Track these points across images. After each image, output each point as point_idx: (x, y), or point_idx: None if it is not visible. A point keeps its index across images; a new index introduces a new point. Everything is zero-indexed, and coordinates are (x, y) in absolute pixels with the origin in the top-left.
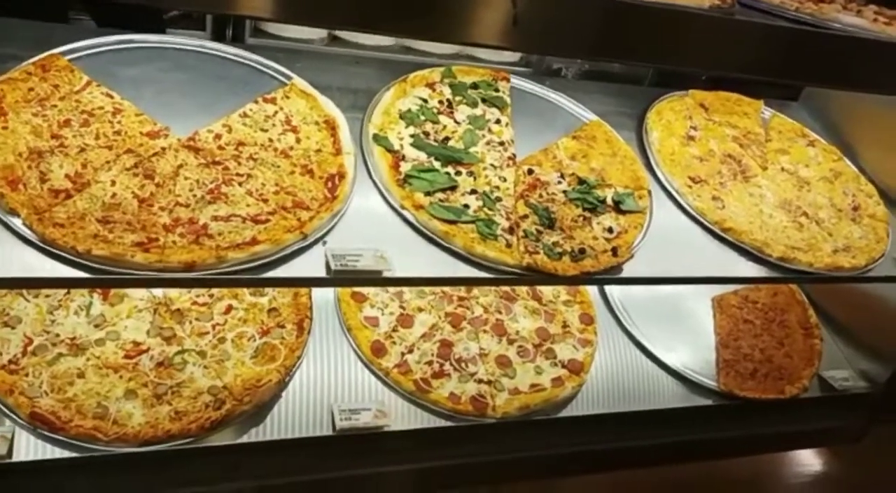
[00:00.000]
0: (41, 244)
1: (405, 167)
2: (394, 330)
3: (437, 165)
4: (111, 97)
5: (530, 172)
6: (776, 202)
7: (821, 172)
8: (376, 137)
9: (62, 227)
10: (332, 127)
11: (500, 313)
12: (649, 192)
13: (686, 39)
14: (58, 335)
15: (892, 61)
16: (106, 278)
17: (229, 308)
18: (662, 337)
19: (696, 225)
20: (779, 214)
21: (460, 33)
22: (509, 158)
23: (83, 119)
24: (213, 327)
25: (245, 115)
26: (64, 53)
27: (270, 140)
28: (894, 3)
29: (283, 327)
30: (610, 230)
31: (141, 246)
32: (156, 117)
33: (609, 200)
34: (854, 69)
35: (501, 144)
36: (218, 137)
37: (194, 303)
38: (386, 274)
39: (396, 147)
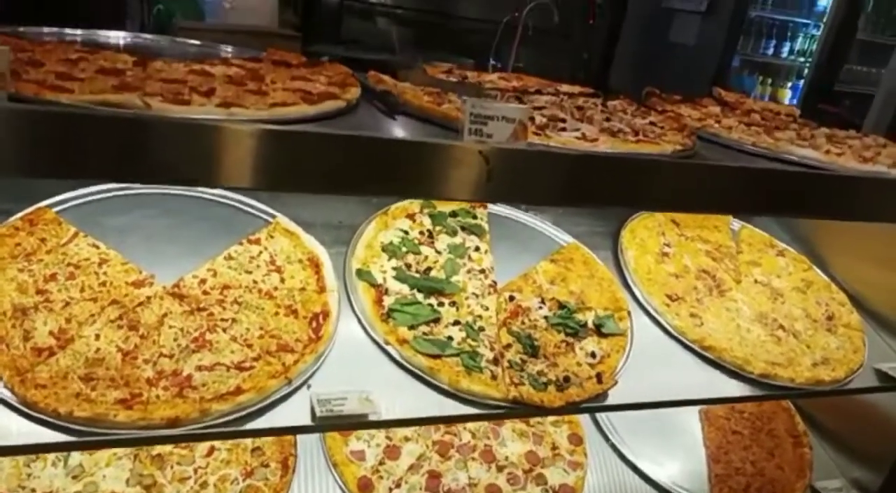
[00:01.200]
0: (22, 407)
1: (388, 301)
2: (381, 463)
3: (419, 297)
4: (97, 248)
5: (511, 298)
6: (752, 316)
7: (793, 283)
8: (359, 273)
9: (44, 388)
10: (315, 265)
11: (488, 438)
12: (629, 312)
13: (653, 184)
14: (34, 490)
15: (843, 191)
16: (88, 441)
17: (211, 450)
18: (652, 453)
19: (677, 344)
20: (756, 328)
21: (438, 190)
22: (490, 285)
23: (69, 272)
24: (195, 470)
25: (230, 257)
26: (52, 205)
27: (255, 282)
28: (846, 123)
29: (267, 466)
30: (593, 355)
31: (124, 403)
32: (141, 265)
33: (590, 324)
34: (809, 200)
35: (482, 271)
36: (203, 281)
37: (175, 446)
38: (371, 418)
39: (379, 281)
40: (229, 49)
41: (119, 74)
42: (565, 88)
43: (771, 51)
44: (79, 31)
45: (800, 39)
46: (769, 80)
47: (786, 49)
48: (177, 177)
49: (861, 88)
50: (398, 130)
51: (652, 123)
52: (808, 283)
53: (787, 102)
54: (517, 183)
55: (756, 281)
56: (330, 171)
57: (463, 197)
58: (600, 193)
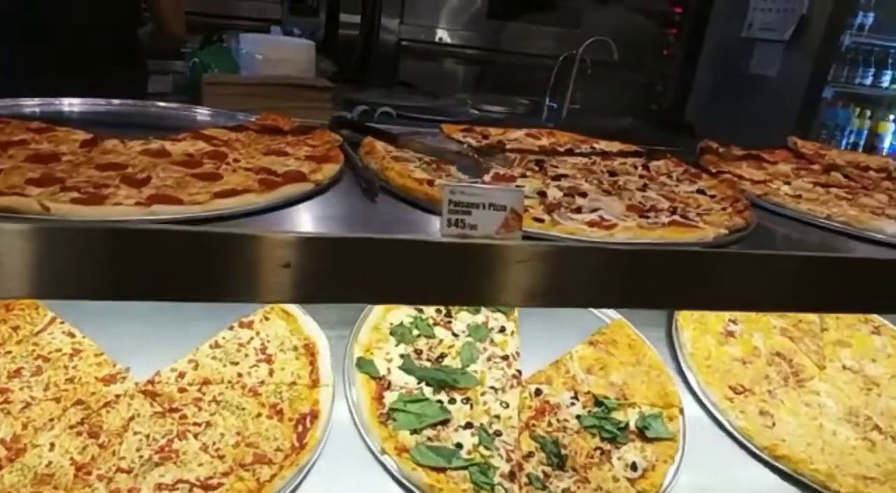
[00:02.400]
0: None
1: (390, 398)
2: None
3: (427, 391)
4: (72, 336)
5: (538, 392)
6: (839, 413)
7: (892, 369)
8: (360, 362)
9: None
10: (311, 353)
11: None
12: (681, 410)
13: (677, 281)
14: None
15: None
16: None
17: None
18: None
19: (742, 451)
20: (844, 430)
21: (399, 295)
22: (513, 376)
23: (36, 366)
24: None
25: (216, 345)
26: None
27: (240, 375)
28: None
29: None
30: (634, 467)
31: None
32: (118, 355)
33: (633, 425)
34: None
35: (505, 358)
36: (181, 376)
37: None
38: None
39: (382, 372)
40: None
41: (50, 161)
42: (603, 144)
43: (869, 80)
44: (75, 100)
45: None
46: (868, 113)
47: (887, 78)
48: (61, 290)
49: None
50: (371, 215)
51: (700, 192)
52: None
53: (889, 136)
54: (503, 284)
55: (845, 367)
56: (242, 276)
57: (435, 302)
58: (610, 295)
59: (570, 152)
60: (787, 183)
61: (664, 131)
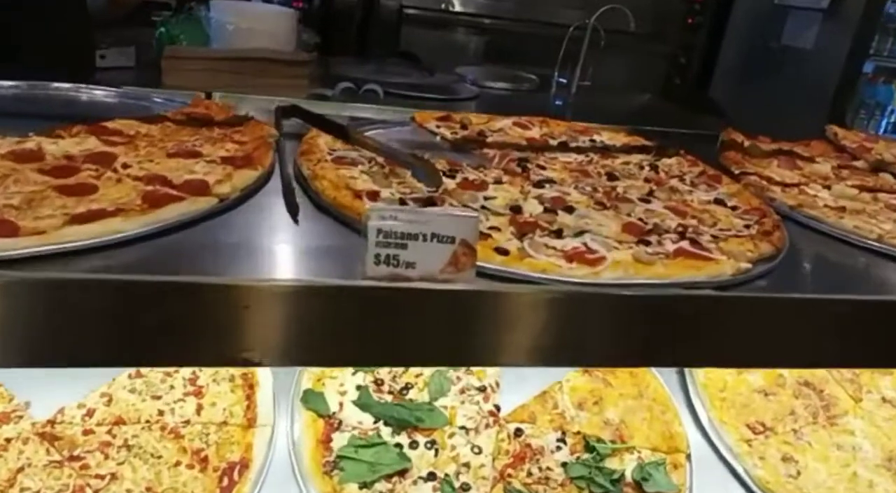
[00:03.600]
0: None
1: (339, 441)
2: None
3: (385, 433)
4: None
5: (518, 433)
6: (877, 458)
7: None
8: (307, 396)
9: None
10: (250, 385)
11: None
12: (688, 457)
13: (678, 335)
14: None
15: None
16: None
17: None
18: None
19: None
20: (883, 480)
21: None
22: (490, 412)
23: None
24: None
25: (138, 374)
26: None
27: (161, 412)
28: None
29: None
30: None
31: None
32: (22, 386)
33: (629, 477)
34: None
35: (482, 390)
36: (89, 413)
37: None
38: None
39: (333, 408)
40: (158, 99)
41: None
42: (605, 137)
43: None
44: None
45: None
46: None
47: None
48: None
49: None
50: (284, 244)
51: (719, 202)
52: None
53: None
54: (449, 341)
55: (885, 400)
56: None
57: (354, 364)
58: (590, 353)
59: (563, 147)
60: (827, 187)
61: (686, 110)
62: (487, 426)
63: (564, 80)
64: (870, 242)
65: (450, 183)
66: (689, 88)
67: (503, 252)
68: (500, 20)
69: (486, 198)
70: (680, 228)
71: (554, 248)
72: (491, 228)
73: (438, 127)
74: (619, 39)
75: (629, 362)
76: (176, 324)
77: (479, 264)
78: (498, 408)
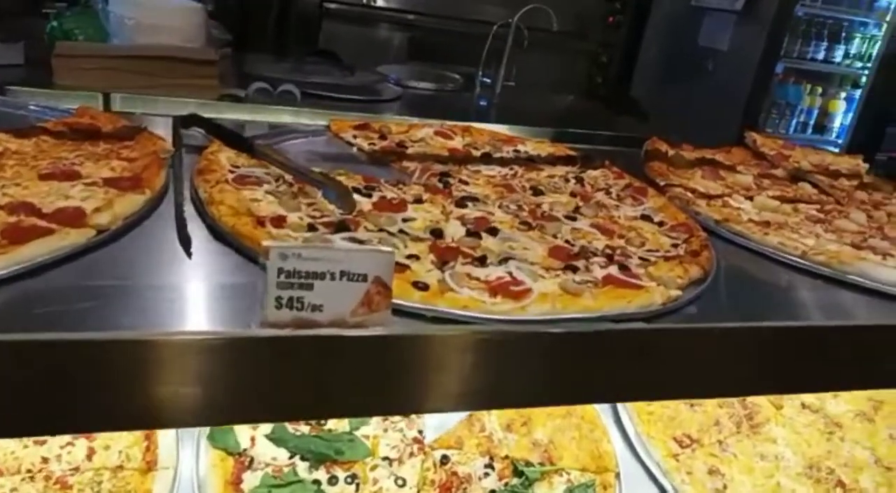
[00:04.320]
0: None
1: (250, 481)
2: None
3: (302, 468)
4: None
5: (444, 461)
6: (799, 466)
7: (856, 405)
8: (215, 433)
9: None
10: None
11: None
12: (617, 475)
13: (598, 371)
14: None
15: None
16: None
17: None
18: None
19: None
20: (804, 489)
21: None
22: (415, 440)
23: None
24: None
25: None
26: None
27: (45, 459)
28: None
29: None
30: None
31: None
32: None
33: None
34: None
35: (406, 416)
36: None
37: None
38: None
39: (244, 445)
40: (35, 107)
41: None
42: (530, 147)
43: (822, 55)
44: None
45: (857, 41)
46: (819, 90)
47: (839, 53)
48: None
49: None
50: (169, 284)
51: (646, 218)
52: (877, 404)
53: (839, 116)
54: (362, 390)
55: (804, 406)
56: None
57: (254, 420)
58: (513, 394)
59: (487, 158)
60: (750, 198)
61: (608, 110)
62: (412, 454)
63: (489, 80)
64: (794, 258)
65: (365, 203)
66: (610, 86)
67: (422, 287)
68: (424, 17)
69: (404, 220)
70: (608, 251)
71: (478, 278)
72: (410, 256)
73: (355, 137)
74: (542, 38)
75: (559, 401)
76: (40, 387)
77: (395, 301)
78: (423, 435)
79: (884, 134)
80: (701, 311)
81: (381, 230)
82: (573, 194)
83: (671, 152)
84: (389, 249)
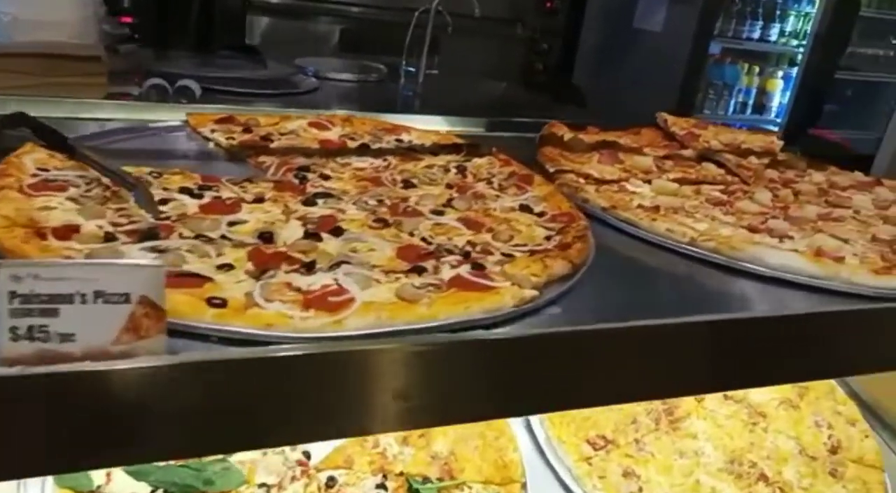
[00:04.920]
0: None
1: None
2: None
3: None
4: None
5: (330, 483)
6: (720, 462)
7: (780, 393)
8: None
9: None
10: None
11: None
12: (524, 486)
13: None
14: None
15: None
16: None
17: None
18: None
19: None
20: (724, 485)
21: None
22: (299, 462)
23: None
24: None
25: None
26: None
27: None
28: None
29: None
30: None
31: None
32: None
33: None
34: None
35: None
36: None
37: None
38: None
39: (98, 482)
40: None
41: None
42: (415, 136)
43: (757, 34)
44: None
45: (791, 19)
46: (756, 69)
47: (775, 31)
48: None
49: (867, 74)
50: None
51: (524, 208)
52: (802, 390)
53: (777, 95)
54: (136, 434)
55: (726, 397)
56: None
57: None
58: (322, 425)
59: (364, 149)
60: (648, 181)
61: (545, 97)
62: (294, 478)
63: (413, 69)
64: (683, 246)
65: (191, 206)
66: (552, 73)
67: (219, 303)
68: (355, 7)
69: (232, 223)
70: (468, 248)
71: (298, 288)
72: (222, 266)
73: (213, 132)
74: (476, 25)
75: (379, 428)
76: None
77: (184, 322)
78: (308, 456)
79: (821, 111)
80: (568, 310)
81: (197, 237)
82: (449, 186)
83: (568, 136)
84: (157, 262)
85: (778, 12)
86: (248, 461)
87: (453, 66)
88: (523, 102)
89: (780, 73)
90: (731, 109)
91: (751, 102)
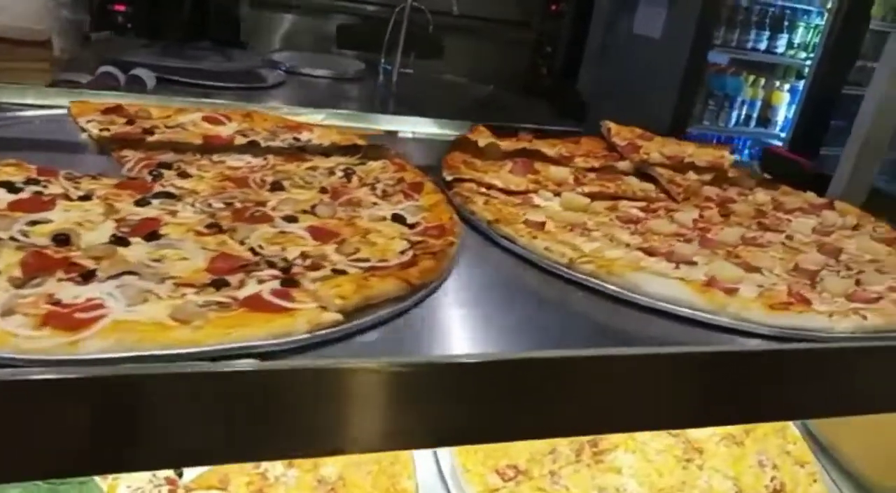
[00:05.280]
0: None
1: None
2: None
3: None
4: None
5: None
6: None
7: (724, 428)
8: None
9: None
10: None
11: None
12: None
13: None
14: None
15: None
16: None
17: None
18: None
19: None
20: None
21: None
22: (168, 481)
23: None
24: None
25: None
26: None
27: None
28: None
29: None
30: None
31: None
32: None
33: None
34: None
35: None
36: None
37: None
38: None
39: None
40: None
41: None
42: (318, 134)
43: (764, 45)
44: None
45: (800, 30)
46: (762, 81)
47: (782, 42)
48: None
49: None
50: None
51: (398, 219)
52: (748, 426)
53: (783, 108)
54: None
55: None
56: None
57: None
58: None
59: (251, 147)
60: (558, 194)
61: (532, 102)
62: None
63: (390, 67)
64: (560, 267)
65: (2, 201)
66: (556, 78)
67: None
68: (353, 3)
69: (33, 222)
70: (298, 261)
71: (58, 301)
72: None
73: (90, 122)
74: (479, 26)
75: (78, 470)
76: None
77: None
78: (180, 474)
79: (828, 128)
80: (387, 339)
81: None
82: (324, 190)
83: (484, 143)
84: None
85: (786, 23)
86: (110, 478)
87: (453, 67)
88: (506, 106)
89: (787, 86)
90: (733, 122)
91: (755, 114)
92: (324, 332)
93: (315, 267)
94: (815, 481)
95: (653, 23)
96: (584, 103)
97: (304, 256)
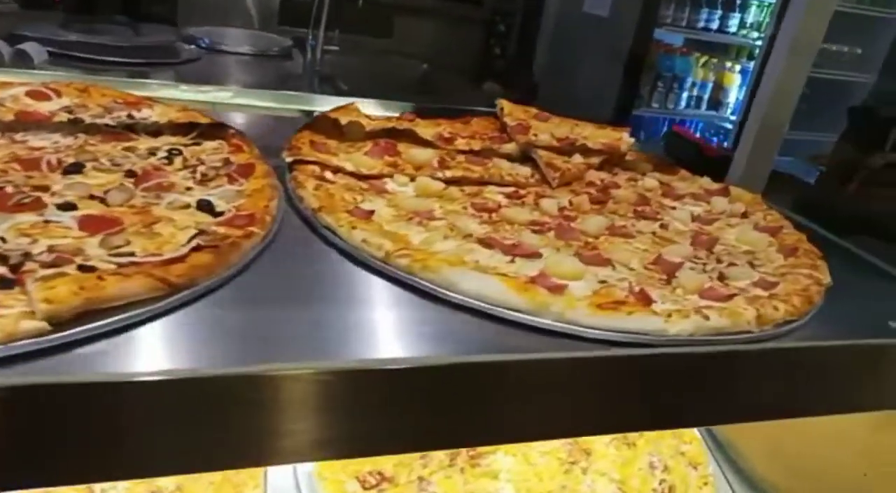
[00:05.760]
0: None
1: None
2: None
3: None
4: None
5: None
6: None
7: None
8: None
9: None
10: None
11: None
12: None
13: None
14: None
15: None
16: None
17: None
18: None
19: None
20: None
21: None
22: None
23: None
24: None
25: None
26: None
27: None
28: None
29: None
30: None
31: None
32: None
33: None
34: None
35: None
36: None
37: None
38: None
39: None
40: None
41: None
42: (157, 112)
43: (716, 24)
44: None
45: (753, 9)
46: (713, 62)
47: (734, 22)
48: None
49: (835, 72)
50: None
51: (203, 206)
52: None
53: (734, 90)
54: None
55: None
56: None
57: None
58: None
59: (71, 125)
60: (413, 179)
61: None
62: None
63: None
64: (377, 261)
65: None
66: (510, 58)
67: None
68: None
69: None
70: (44, 255)
71: None
72: None
73: None
74: (430, 4)
75: None
76: None
77: None
78: None
79: None
80: (122, 351)
81: None
82: (131, 173)
83: (345, 121)
84: None
85: (738, 1)
86: None
87: (403, 45)
88: (438, 86)
89: (738, 68)
90: (683, 104)
91: (707, 96)
92: (24, 342)
93: (56, 264)
94: (705, 483)
95: (602, 1)
96: (535, 85)
97: (50, 250)
